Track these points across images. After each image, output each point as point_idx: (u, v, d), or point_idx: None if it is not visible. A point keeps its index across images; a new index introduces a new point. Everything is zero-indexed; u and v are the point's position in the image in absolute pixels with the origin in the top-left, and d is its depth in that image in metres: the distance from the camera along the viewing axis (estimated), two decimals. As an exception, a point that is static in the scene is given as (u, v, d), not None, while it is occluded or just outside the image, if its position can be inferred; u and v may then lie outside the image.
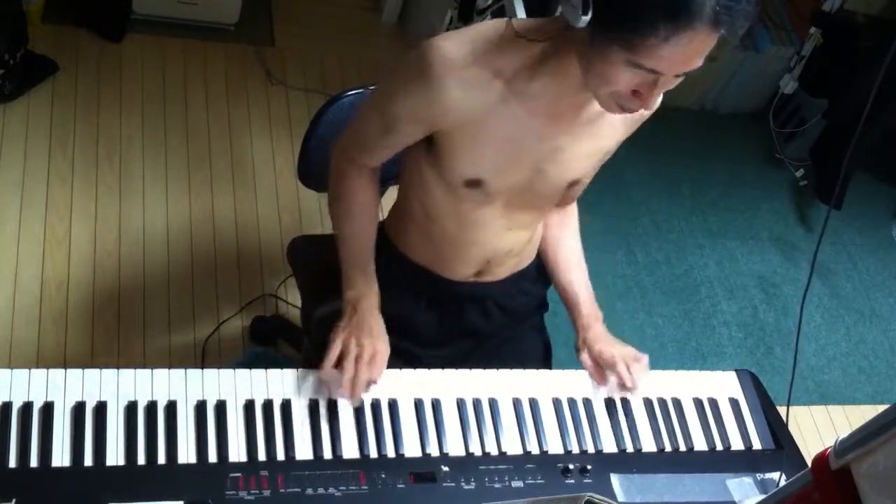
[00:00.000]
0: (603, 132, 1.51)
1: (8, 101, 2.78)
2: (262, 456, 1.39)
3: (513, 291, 1.79)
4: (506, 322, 1.82)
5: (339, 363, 1.50)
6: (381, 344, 1.53)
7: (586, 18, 1.22)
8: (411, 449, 1.46)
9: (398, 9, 3.46)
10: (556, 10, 1.37)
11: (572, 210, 1.79)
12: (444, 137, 1.47)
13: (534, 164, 1.50)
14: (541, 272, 1.86)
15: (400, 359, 1.74)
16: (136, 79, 2.99)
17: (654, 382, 1.66)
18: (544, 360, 1.91)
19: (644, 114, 1.53)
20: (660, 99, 1.36)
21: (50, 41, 2.96)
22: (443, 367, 1.59)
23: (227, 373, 1.47)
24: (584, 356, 1.66)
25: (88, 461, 1.32)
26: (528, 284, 1.82)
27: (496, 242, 1.65)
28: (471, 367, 1.61)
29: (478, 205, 1.55)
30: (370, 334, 1.53)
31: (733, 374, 1.72)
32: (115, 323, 2.46)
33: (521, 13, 2.59)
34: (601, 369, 1.64)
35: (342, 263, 1.61)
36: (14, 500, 1.25)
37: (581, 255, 1.78)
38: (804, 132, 3.51)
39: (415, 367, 1.60)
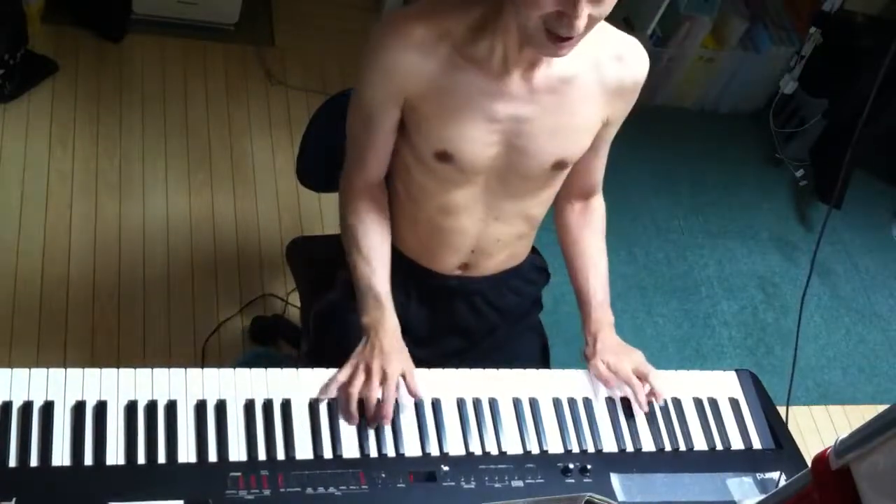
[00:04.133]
0: (576, 106, 1.51)
1: (8, 101, 2.78)
2: (262, 455, 1.39)
3: (503, 289, 1.78)
4: (498, 321, 1.81)
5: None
6: (393, 364, 1.50)
7: None
8: (411, 448, 1.46)
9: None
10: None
11: (594, 209, 1.76)
12: (410, 111, 1.50)
13: (504, 137, 1.50)
14: (536, 272, 1.85)
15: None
16: (136, 79, 2.99)
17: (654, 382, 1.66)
18: (542, 361, 1.90)
19: (625, 82, 1.53)
20: (582, 19, 1.31)
21: (50, 41, 2.96)
22: (435, 366, 1.59)
23: (227, 373, 1.47)
24: (600, 367, 1.62)
25: (88, 461, 1.32)
26: (519, 283, 1.81)
27: (482, 232, 1.65)
28: (467, 367, 1.61)
29: (456, 183, 1.55)
30: (381, 356, 1.50)
31: (733, 373, 1.72)
32: (115, 323, 2.46)
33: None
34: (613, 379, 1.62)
35: (357, 288, 1.60)
36: (14, 500, 1.25)
37: (600, 256, 1.74)
38: (804, 132, 3.51)
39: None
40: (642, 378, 1.62)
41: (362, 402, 1.47)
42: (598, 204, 1.77)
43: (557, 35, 1.33)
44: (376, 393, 1.46)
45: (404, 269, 1.71)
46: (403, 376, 1.50)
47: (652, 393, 1.61)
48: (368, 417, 1.46)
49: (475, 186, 1.56)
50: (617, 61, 1.51)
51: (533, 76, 1.46)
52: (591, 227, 1.75)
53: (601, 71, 1.51)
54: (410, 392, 1.50)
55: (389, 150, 1.58)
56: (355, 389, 1.46)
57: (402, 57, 1.43)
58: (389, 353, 1.51)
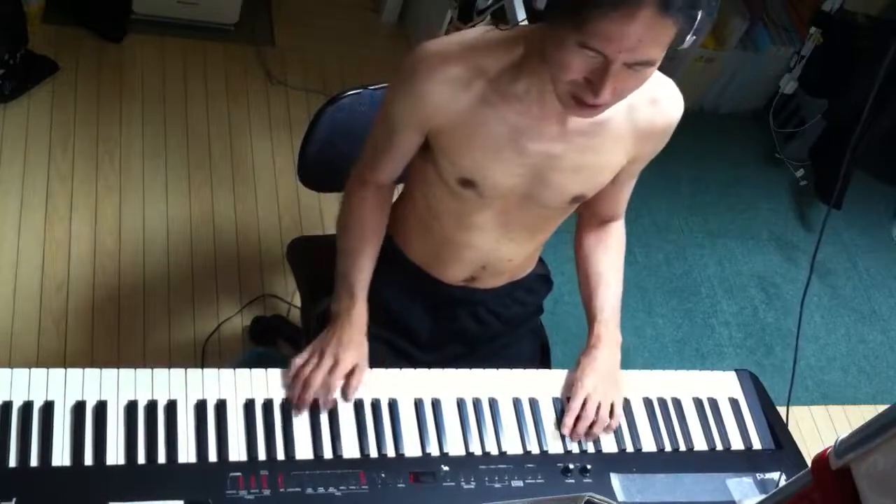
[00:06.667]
0: (605, 146, 1.50)
1: (8, 101, 2.78)
2: (262, 455, 1.39)
3: (506, 301, 1.78)
4: (500, 329, 1.81)
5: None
6: (348, 354, 1.51)
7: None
8: (411, 449, 1.46)
9: (398, 9, 3.46)
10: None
11: (612, 232, 1.73)
12: (435, 138, 1.49)
13: (530, 170, 1.49)
14: (539, 282, 1.85)
15: (398, 356, 1.74)
16: (136, 79, 2.99)
17: (654, 382, 1.66)
18: (542, 362, 1.90)
19: (657, 124, 1.51)
20: (607, 92, 1.27)
21: (50, 41, 2.96)
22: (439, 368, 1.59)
23: (227, 373, 1.47)
24: (577, 398, 1.56)
25: (88, 461, 1.32)
26: (522, 294, 1.80)
27: (495, 249, 1.65)
28: (468, 368, 1.61)
29: (476, 206, 1.55)
30: (340, 345, 1.51)
31: (733, 374, 1.72)
32: (115, 323, 2.46)
33: (520, 14, 2.59)
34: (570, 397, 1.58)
35: (336, 276, 1.61)
36: (14, 500, 1.25)
37: (613, 274, 1.70)
38: (804, 132, 3.51)
39: (411, 365, 1.60)
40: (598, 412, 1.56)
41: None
42: (617, 227, 1.74)
43: (584, 101, 1.31)
44: (320, 377, 1.47)
45: (410, 274, 1.71)
46: (354, 369, 1.50)
47: (590, 428, 1.55)
48: (303, 397, 1.45)
49: (493, 210, 1.56)
50: (651, 104, 1.49)
51: (568, 118, 1.44)
52: (604, 245, 1.72)
53: (634, 114, 1.49)
54: (351, 387, 1.50)
55: (405, 161, 1.58)
56: (307, 371, 1.48)
57: (434, 89, 1.41)
58: (347, 344, 1.52)
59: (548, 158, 1.48)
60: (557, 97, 1.35)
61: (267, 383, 1.47)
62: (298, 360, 1.51)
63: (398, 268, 1.71)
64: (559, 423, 1.55)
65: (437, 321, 1.76)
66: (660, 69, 1.33)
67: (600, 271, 1.70)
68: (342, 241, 1.63)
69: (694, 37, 1.25)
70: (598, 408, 1.55)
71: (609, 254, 1.72)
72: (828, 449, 1.07)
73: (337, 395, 1.49)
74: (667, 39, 1.23)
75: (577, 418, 1.55)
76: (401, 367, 1.58)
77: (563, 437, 1.54)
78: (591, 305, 1.67)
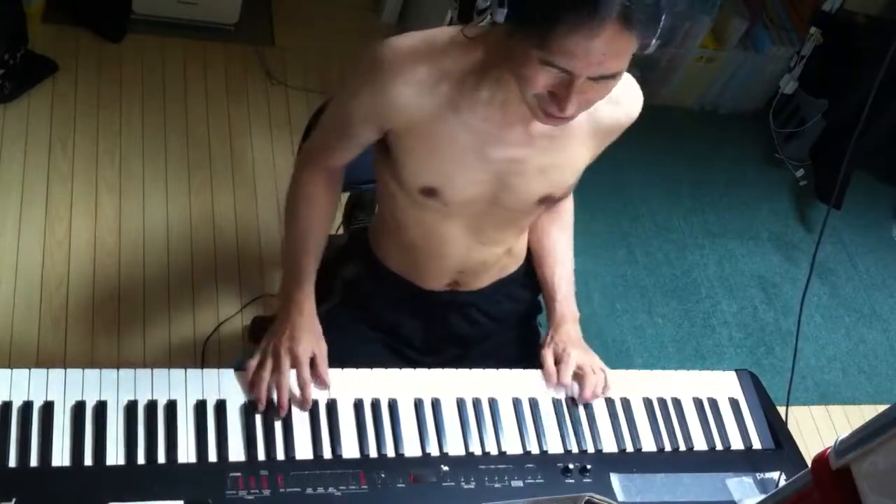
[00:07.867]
0: (568, 146, 1.49)
1: (8, 101, 2.78)
2: (261, 456, 1.39)
3: (497, 297, 1.77)
4: (495, 328, 1.80)
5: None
6: (303, 347, 1.48)
7: (503, 11, 1.23)
8: (411, 449, 1.46)
9: (398, 9, 3.46)
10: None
11: (564, 205, 1.75)
12: (396, 140, 1.46)
13: (494, 177, 1.47)
14: (530, 277, 1.85)
15: (399, 359, 1.74)
16: (136, 79, 2.99)
17: (654, 382, 1.66)
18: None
19: (621, 122, 1.52)
20: (573, 106, 1.27)
21: (50, 41, 2.96)
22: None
23: (227, 373, 1.47)
24: (547, 359, 1.62)
25: (88, 461, 1.32)
26: (514, 289, 1.79)
27: (467, 256, 1.63)
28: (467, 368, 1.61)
29: (440, 216, 1.53)
30: (293, 340, 1.48)
31: (733, 373, 1.72)
32: (115, 323, 2.46)
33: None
34: (558, 370, 1.61)
35: (283, 260, 1.59)
36: (14, 500, 1.25)
37: (567, 249, 1.74)
38: (804, 132, 3.51)
39: (411, 367, 1.60)
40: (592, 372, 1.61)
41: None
42: (566, 201, 1.75)
43: (551, 113, 1.30)
44: (286, 378, 1.45)
45: (394, 285, 1.69)
46: (314, 359, 1.49)
47: (605, 386, 1.60)
48: (281, 404, 1.44)
49: (460, 217, 1.55)
50: (614, 104, 1.48)
51: (532, 122, 1.42)
52: (559, 224, 1.74)
53: (597, 114, 1.48)
54: (318, 377, 1.49)
55: (359, 150, 1.55)
56: (266, 374, 1.46)
57: (397, 89, 1.38)
58: (299, 338, 1.49)
59: (511, 164, 1.47)
60: (527, 107, 1.34)
61: (267, 383, 1.47)
62: (253, 363, 1.47)
63: (382, 279, 1.70)
64: (559, 423, 1.55)
65: (429, 327, 1.75)
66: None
67: (556, 249, 1.73)
68: (292, 223, 1.59)
69: (659, 41, 1.23)
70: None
71: (562, 231, 1.75)
72: (828, 449, 1.07)
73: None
74: (630, 51, 1.22)
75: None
76: (400, 368, 1.58)
77: (562, 437, 1.54)
78: (550, 284, 1.72)
